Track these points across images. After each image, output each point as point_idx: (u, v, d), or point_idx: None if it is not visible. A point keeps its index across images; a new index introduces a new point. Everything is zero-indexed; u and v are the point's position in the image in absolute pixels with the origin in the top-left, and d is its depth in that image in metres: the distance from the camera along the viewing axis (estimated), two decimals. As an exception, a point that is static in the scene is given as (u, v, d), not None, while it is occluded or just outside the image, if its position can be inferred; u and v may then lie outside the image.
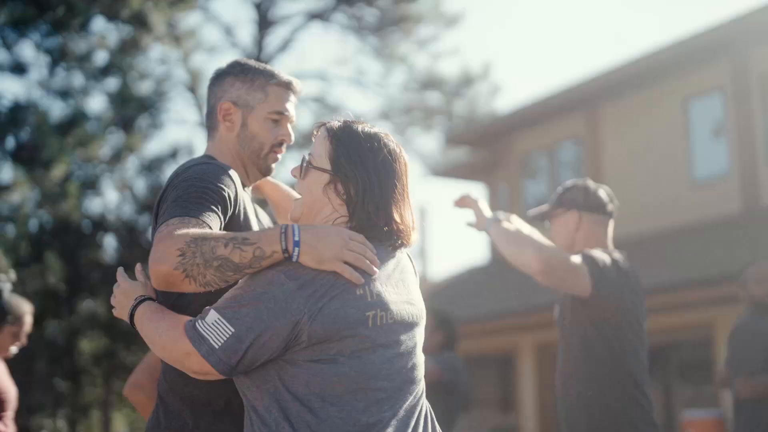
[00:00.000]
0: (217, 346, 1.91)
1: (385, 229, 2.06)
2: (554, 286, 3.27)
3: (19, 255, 13.43)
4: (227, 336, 1.91)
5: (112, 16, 12.94)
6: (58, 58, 13.38)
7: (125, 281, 2.21)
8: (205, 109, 2.50)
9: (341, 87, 34.89)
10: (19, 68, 12.49)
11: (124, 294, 2.18)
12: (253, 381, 1.99)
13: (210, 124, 2.47)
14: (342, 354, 1.94)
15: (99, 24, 13.90)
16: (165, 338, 1.99)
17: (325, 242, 1.94)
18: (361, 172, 2.04)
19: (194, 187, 2.16)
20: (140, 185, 17.26)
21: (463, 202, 3.45)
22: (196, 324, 1.95)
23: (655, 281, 9.90)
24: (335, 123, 2.13)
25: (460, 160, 17.53)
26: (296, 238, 1.94)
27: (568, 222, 3.45)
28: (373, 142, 2.08)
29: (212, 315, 1.94)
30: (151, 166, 17.24)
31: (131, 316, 2.13)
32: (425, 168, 20.13)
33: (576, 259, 3.23)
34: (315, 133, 2.16)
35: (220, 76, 2.48)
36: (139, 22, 12.92)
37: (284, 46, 19.84)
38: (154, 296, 2.16)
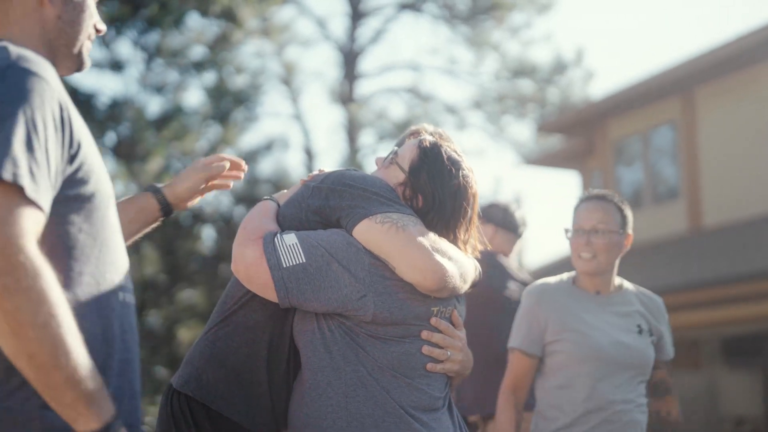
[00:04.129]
0: (285, 266, 2.09)
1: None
2: None
3: (120, 246, 13.74)
4: (297, 262, 2.09)
5: (203, 13, 13.24)
6: (155, 54, 13.75)
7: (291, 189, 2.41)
8: None
9: (433, 77, 34.81)
10: (116, 65, 12.91)
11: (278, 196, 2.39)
12: (335, 347, 2.14)
13: None
14: (406, 337, 2.16)
15: (194, 20, 14.24)
16: (249, 228, 2.19)
17: None
18: (433, 188, 2.21)
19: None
20: (236, 178, 17.59)
21: None
22: (275, 237, 2.12)
23: (752, 267, 9.59)
24: (428, 137, 2.32)
25: (554, 147, 17.30)
26: None
27: (484, 233, 3.89)
28: (453, 166, 2.25)
29: (291, 237, 2.12)
30: (246, 159, 17.55)
31: None
32: (518, 156, 19.96)
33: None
34: (409, 137, 2.39)
35: None
36: (229, 17, 13.19)
37: (376, 37, 19.97)
38: (278, 204, 2.32)
